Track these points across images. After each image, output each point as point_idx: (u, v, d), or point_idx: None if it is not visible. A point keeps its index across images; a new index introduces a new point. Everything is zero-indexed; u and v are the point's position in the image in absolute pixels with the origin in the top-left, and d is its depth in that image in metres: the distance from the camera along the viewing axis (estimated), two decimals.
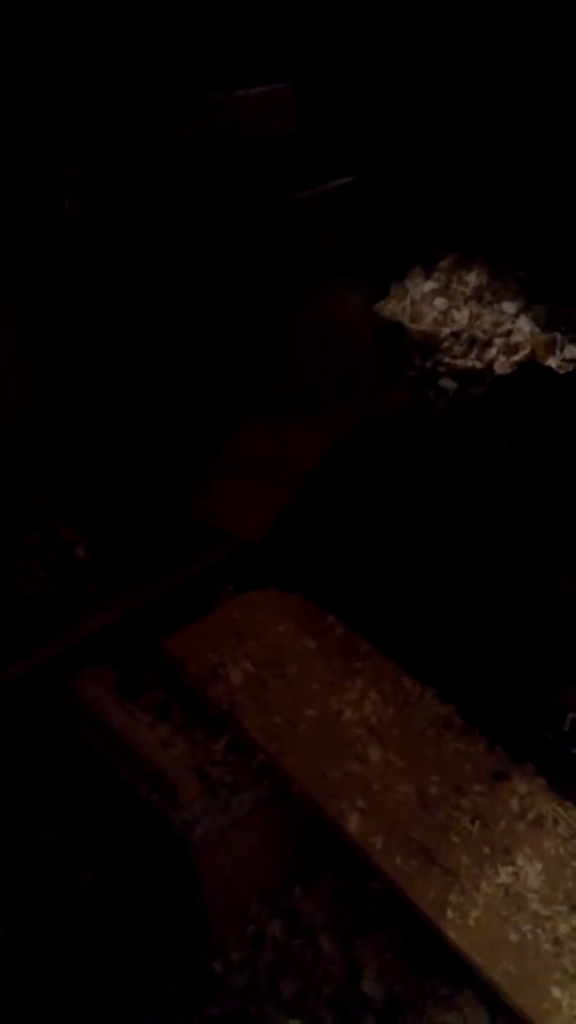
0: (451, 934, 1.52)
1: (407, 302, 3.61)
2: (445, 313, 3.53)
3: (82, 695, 1.91)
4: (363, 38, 3.46)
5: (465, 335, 3.41)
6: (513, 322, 3.40)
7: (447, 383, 3.14)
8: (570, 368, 3.16)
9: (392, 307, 3.63)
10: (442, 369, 3.24)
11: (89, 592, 2.25)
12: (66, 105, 2.52)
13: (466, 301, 3.56)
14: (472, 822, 1.68)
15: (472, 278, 3.62)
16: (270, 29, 3.15)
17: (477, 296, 3.55)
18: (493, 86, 3.42)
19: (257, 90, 3.12)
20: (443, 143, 3.61)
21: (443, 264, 3.69)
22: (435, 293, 3.61)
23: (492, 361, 3.27)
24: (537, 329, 3.35)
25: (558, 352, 3.26)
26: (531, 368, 3.01)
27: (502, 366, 3.23)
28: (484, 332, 3.40)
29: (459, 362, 3.28)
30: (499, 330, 3.38)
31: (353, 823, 1.65)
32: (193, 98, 2.92)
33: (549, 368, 3.05)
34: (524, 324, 3.37)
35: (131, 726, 1.83)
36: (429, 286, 3.65)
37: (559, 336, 3.31)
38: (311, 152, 3.39)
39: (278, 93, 3.18)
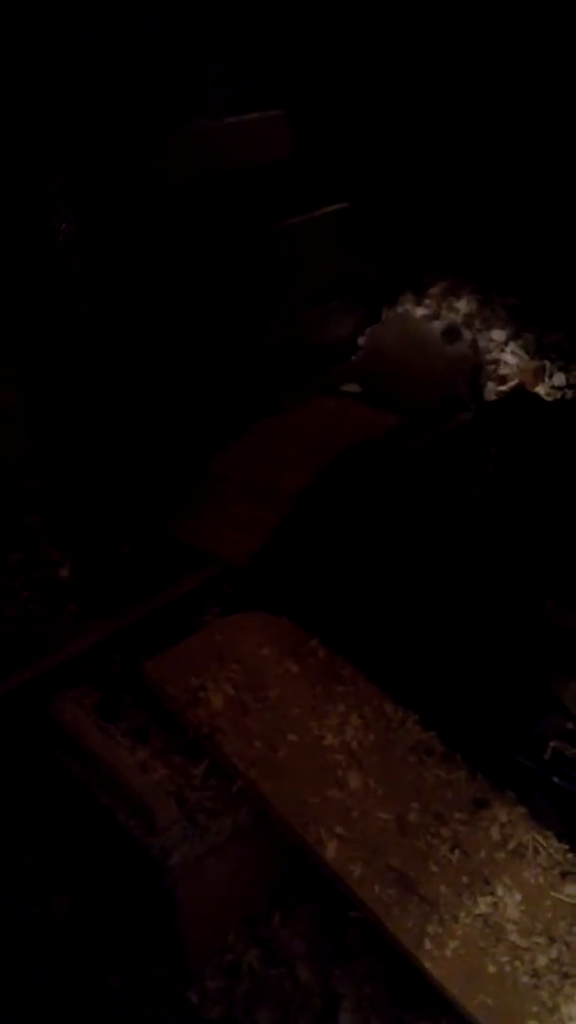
0: (428, 965, 1.50)
1: None
2: None
3: (62, 718, 1.90)
4: (356, 67, 3.51)
5: None
6: (502, 349, 3.42)
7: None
8: (558, 395, 3.18)
9: None
10: None
11: (72, 613, 2.23)
12: (58, 128, 2.54)
13: None
14: (452, 851, 1.67)
15: (462, 305, 3.64)
16: (263, 57, 3.18)
17: (467, 323, 3.57)
18: (483, 116, 3.46)
19: (250, 117, 3.16)
20: (435, 170, 3.65)
21: (434, 291, 3.72)
22: (426, 319, 3.63)
23: (481, 388, 3.29)
24: (526, 356, 3.37)
25: (546, 379, 3.28)
26: (518, 395, 3.03)
27: (491, 393, 3.25)
28: None
29: None
30: (488, 357, 3.40)
31: (331, 850, 1.64)
32: (185, 124, 2.95)
33: (536, 395, 3.07)
34: (513, 351, 3.39)
35: (110, 750, 1.82)
36: (420, 312, 3.67)
37: (547, 364, 3.32)
38: (304, 178, 3.42)
39: (271, 120, 3.21)
